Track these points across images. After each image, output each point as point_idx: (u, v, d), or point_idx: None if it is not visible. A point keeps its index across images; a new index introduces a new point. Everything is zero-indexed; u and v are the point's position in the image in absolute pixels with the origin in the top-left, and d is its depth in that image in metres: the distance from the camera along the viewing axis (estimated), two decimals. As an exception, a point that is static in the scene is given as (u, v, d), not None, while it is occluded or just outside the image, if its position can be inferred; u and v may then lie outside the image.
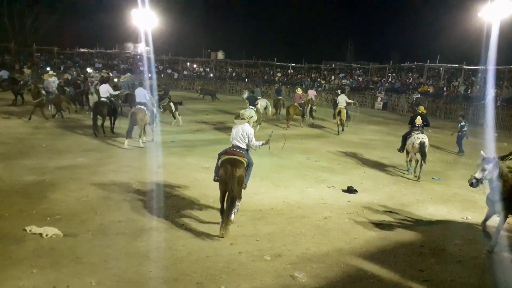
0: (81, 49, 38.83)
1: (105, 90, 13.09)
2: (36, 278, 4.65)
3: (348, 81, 31.87)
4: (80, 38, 40.15)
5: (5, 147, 10.66)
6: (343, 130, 16.50)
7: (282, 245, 5.92)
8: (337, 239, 6.22)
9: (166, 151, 11.35)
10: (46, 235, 5.67)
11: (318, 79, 33.64)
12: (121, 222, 6.33)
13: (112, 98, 13.31)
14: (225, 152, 6.35)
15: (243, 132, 6.45)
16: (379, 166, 11.12)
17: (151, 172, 9.17)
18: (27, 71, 15.88)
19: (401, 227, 6.84)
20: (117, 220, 6.37)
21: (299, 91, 18.54)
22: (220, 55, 46.28)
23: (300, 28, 54.80)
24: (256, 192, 8.13)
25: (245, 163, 6.32)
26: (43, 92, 15.21)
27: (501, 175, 5.83)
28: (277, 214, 7.12)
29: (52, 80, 15.80)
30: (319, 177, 9.65)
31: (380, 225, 6.86)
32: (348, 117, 16.93)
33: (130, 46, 41.75)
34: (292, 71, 37.24)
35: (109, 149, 11.41)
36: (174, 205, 7.17)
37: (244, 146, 6.47)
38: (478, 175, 5.83)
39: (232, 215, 6.34)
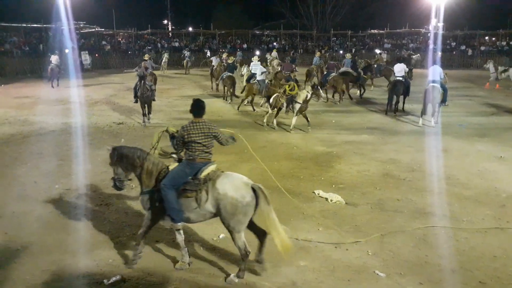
0: (372, 31, 40.06)
1: (401, 69, 13.14)
2: (322, 235, 5.31)
3: None
4: (372, 20, 41.48)
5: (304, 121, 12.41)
6: None
7: None
8: None
9: (451, 135, 10.47)
10: (331, 200, 6.36)
11: None
12: (399, 200, 6.35)
13: (406, 77, 13.22)
14: None
15: None
16: None
17: (433, 156, 8.71)
18: (274, 60, 17.32)
19: None
20: (395, 198, 6.43)
21: None
22: (534, 24, 37.97)
23: None
24: None
25: None
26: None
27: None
28: None
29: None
30: None
31: None
32: None
33: (422, 24, 39.94)
34: None
35: (392, 128, 11.53)
36: (457, 194, 6.59)
37: None
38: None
39: None
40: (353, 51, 28.97)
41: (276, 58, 24.75)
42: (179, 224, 4.39)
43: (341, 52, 33.13)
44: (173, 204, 4.25)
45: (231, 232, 4.23)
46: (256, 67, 14.85)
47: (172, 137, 4.56)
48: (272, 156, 8.74)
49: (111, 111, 13.90)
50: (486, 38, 36.98)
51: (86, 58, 28.50)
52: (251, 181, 4.27)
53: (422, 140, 10.13)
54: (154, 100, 12.11)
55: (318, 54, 21.05)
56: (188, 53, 28.45)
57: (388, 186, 6.97)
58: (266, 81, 13.96)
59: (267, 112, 11.64)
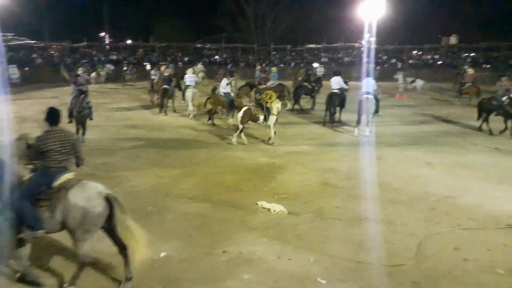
0: (310, 45, 41.52)
1: (337, 82, 13.62)
2: (265, 246, 5.32)
3: None
4: (310, 35, 42.98)
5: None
6: None
7: (523, 261, 4.96)
8: None
9: (385, 143, 11.07)
10: (274, 211, 6.41)
11: None
12: (338, 208, 6.56)
13: (342, 90, 13.71)
14: None
15: None
16: None
17: (368, 164, 9.13)
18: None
19: None
20: (334, 206, 6.64)
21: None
22: (453, 39, 41.52)
23: None
24: (491, 195, 7.05)
25: None
26: None
27: None
28: (518, 224, 5.99)
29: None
30: None
31: None
32: None
33: (356, 38, 42.13)
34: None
35: (330, 138, 11.98)
36: (391, 199, 6.94)
37: None
38: None
39: None
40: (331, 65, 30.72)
41: (202, 71, 25.28)
42: (40, 231, 4.13)
43: (281, 65, 33.95)
44: (30, 212, 4.06)
45: (76, 240, 4.11)
46: (191, 79, 15.43)
47: (28, 147, 4.42)
48: (215, 169, 8.70)
49: (42, 128, 13.07)
50: (414, 52, 39.79)
51: (15, 72, 26.76)
52: (107, 191, 4.21)
53: (358, 149, 10.61)
54: (91, 119, 11.15)
55: (258, 68, 21.60)
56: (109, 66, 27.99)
57: (327, 194, 7.19)
58: (232, 94, 14.04)
59: (237, 129, 11.04)
